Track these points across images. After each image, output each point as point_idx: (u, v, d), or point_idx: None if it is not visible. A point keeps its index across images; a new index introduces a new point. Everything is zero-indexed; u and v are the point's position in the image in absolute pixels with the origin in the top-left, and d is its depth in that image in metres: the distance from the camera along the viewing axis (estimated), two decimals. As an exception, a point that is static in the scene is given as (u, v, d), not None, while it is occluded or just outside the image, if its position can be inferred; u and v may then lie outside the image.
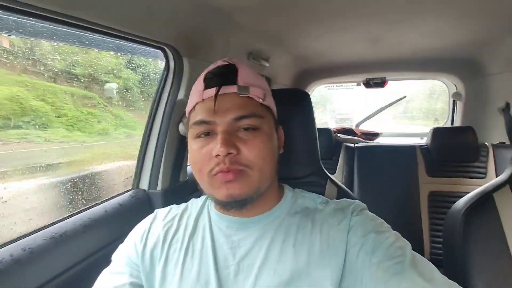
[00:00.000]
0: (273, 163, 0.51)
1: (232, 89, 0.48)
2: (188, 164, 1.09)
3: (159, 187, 0.95)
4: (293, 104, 0.76)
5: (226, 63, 0.52)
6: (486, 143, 1.54)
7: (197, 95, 0.50)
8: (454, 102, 1.98)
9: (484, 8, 0.98)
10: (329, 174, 0.85)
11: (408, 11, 1.02)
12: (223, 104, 0.47)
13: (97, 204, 0.80)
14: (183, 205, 0.62)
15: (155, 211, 0.61)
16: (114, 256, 0.56)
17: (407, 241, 0.48)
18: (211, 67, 0.53)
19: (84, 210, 0.76)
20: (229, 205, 0.48)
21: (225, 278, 0.49)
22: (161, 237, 0.55)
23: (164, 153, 0.94)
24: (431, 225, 1.52)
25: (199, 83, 0.51)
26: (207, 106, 0.48)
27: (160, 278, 0.52)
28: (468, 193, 0.84)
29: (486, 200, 0.77)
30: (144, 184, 0.95)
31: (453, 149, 1.52)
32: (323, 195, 0.68)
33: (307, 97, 0.80)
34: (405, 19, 1.10)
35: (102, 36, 0.68)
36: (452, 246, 0.81)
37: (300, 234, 0.51)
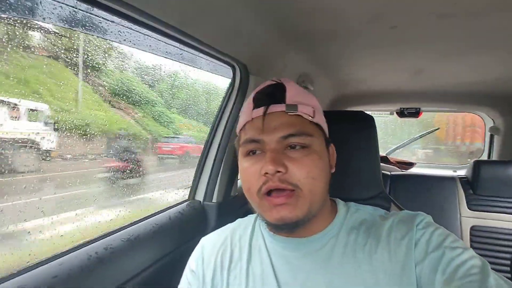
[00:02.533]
0: (324, 182, 0.49)
1: (280, 107, 0.48)
2: (239, 178, 1.10)
3: (214, 199, 0.95)
4: (358, 126, 0.78)
5: (275, 82, 0.52)
6: None
7: (247, 114, 0.51)
8: (492, 135, 1.96)
9: None
10: (391, 198, 0.84)
11: (459, 44, 1.03)
12: (271, 123, 0.47)
13: (162, 211, 0.81)
14: (229, 226, 0.61)
15: (201, 240, 0.60)
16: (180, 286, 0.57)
17: (485, 260, 0.42)
18: (260, 87, 0.53)
19: (152, 216, 0.77)
20: (279, 228, 0.48)
21: None
22: (218, 263, 0.55)
23: (221, 167, 0.96)
24: None
25: (249, 103, 0.52)
26: (256, 125, 0.48)
27: None
28: None
29: None
30: (200, 196, 0.96)
31: (498, 183, 1.48)
32: None
33: (371, 120, 0.81)
34: (453, 52, 1.12)
35: (184, 46, 0.73)
36: None
37: (359, 252, 0.48)
